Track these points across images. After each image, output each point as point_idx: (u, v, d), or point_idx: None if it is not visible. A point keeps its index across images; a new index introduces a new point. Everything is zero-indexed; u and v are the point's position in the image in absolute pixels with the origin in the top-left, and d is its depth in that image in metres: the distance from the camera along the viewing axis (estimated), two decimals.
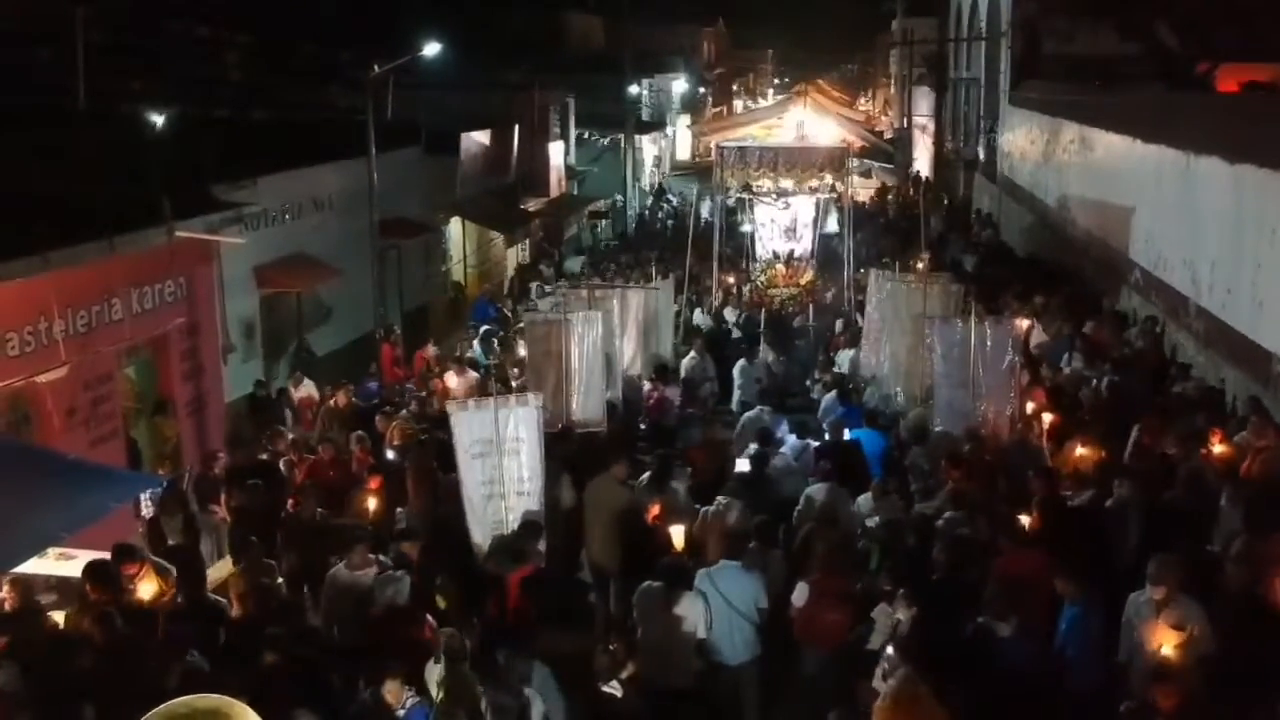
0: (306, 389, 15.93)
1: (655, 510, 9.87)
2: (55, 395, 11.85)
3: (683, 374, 15.73)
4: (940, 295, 14.11)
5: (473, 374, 15.46)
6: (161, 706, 3.83)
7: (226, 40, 21.17)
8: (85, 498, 9.11)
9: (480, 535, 9.88)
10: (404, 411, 14.11)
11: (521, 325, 16.35)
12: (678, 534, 9.34)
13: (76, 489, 9.23)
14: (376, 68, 18.04)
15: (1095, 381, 12.67)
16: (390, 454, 12.46)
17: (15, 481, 8.90)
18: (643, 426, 14.31)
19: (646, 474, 10.88)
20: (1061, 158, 21.77)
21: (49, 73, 15.47)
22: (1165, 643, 7.03)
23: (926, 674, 6.58)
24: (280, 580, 9.33)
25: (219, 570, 10.07)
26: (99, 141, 13.96)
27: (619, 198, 37.84)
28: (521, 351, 15.35)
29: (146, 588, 8.43)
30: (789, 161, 20.97)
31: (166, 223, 12.98)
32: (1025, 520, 9.02)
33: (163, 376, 14.38)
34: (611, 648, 7.42)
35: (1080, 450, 10.50)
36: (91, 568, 8.38)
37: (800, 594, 8.64)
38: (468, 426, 9.97)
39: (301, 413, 15.58)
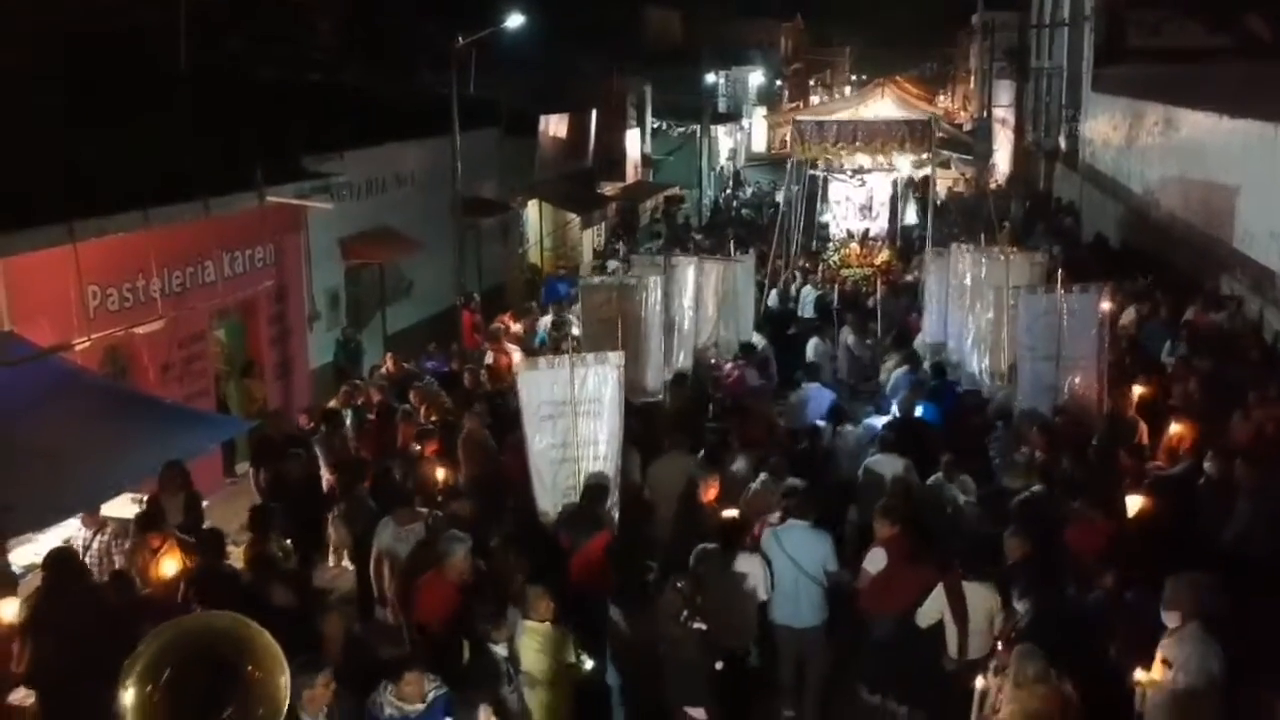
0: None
1: (713, 492, 9.22)
2: (151, 350, 12.32)
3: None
4: (1023, 267, 13.51)
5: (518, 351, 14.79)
6: (176, 620, 3.90)
7: (321, 7, 21.53)
8: (182, 437, 9.49)
9: (549, 503, 9.29)
10: (434, 385, 13.54)
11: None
12: (730, 516, 8.84)
13: (173, 429, 9.61)
14: (460, 39, 18.30)
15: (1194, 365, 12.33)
16: None
17: (117, 421, 9.29)
18: (710, 406, 14.10)
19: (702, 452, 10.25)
20: (1146, 140, 21.43)
21: (156, 35, 15.94)
22: (1152, 673, 6.35)
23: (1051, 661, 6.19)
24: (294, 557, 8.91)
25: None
26: (198, 104, 14.38)
27: (685, 192, 37.91)
28: (576, 330, 14.51)
29: (170, 563, 8.26)
30: (868, 135, 20.48)
31: (258, 188, 13.30)
32: (1135, 499, 8.55)
33: (251, 339, 14.86)
34: (680, 585, 7.25)
35: (1175, 428, 10.12)
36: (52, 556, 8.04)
37: (875, 559, 8.25)
38: (537, 387, 9.34)
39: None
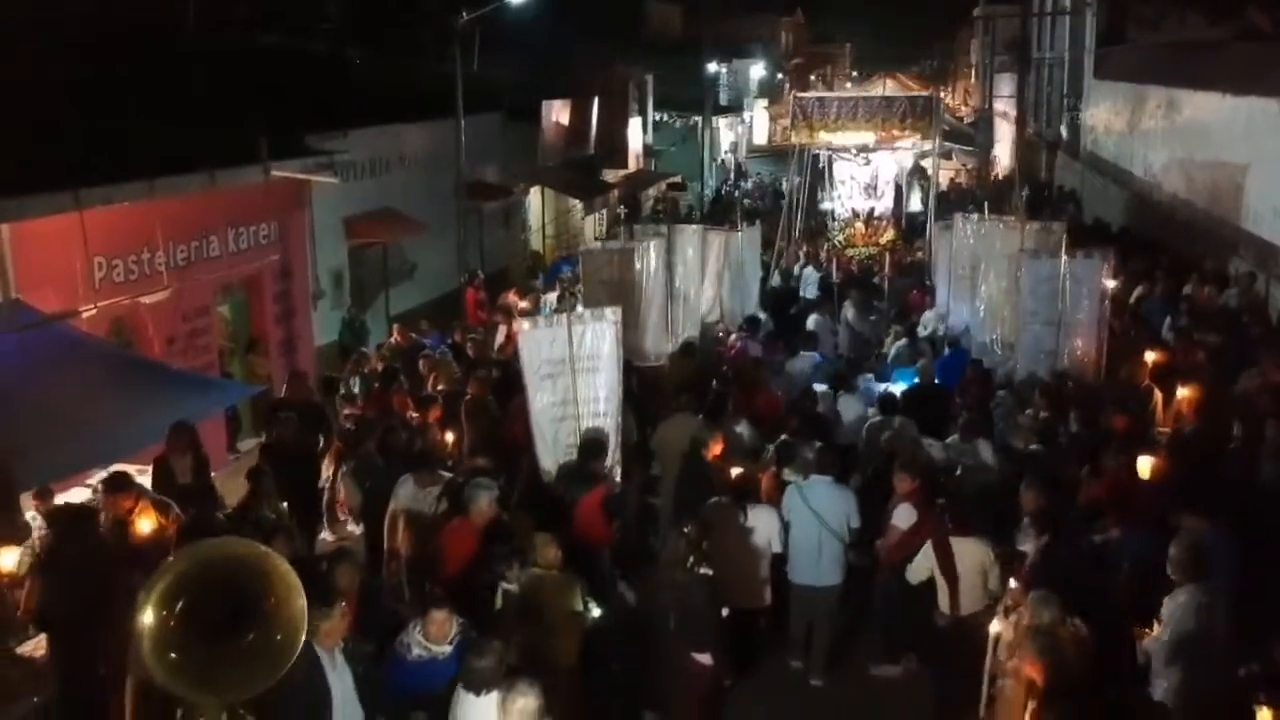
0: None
1: (718, 448, 9.26)
2: (156, 322, 12.30)
3: None
4: (1038, 236, 13.36)
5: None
6: (195, 544, 3.91)
7: None
8: (189, 400, 9.50)
9: (550, 460, 9.39)
10: (447, 354, 13.65)
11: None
12: (740, 473, 8.89)
13: (180, 393, 9.63)
14: (464, 15, 18.33)
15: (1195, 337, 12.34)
16: None
17: (124, 384, 9.32)
18: (714, 382, 14.07)
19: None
20: (1148, 124, 21.43)
21: (161, 14, 15.96)
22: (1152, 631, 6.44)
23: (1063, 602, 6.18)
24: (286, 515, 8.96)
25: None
26: (203, 83, 14.38)
27: (686, 183, 37.90)
28: (580, 309, 14.59)
29: (145, 523, 8.14)
30: (870, 110, 20.37)
31: (263, 163, 13.30)
32: (1148, 461, 8.48)
33: (255, 316, 14.83)
34: (687, 530, 7.26)
35: (1182, 392, 10.15)
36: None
37: (905, 514, 8.15)
38: (536, 346, 9.41)
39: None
